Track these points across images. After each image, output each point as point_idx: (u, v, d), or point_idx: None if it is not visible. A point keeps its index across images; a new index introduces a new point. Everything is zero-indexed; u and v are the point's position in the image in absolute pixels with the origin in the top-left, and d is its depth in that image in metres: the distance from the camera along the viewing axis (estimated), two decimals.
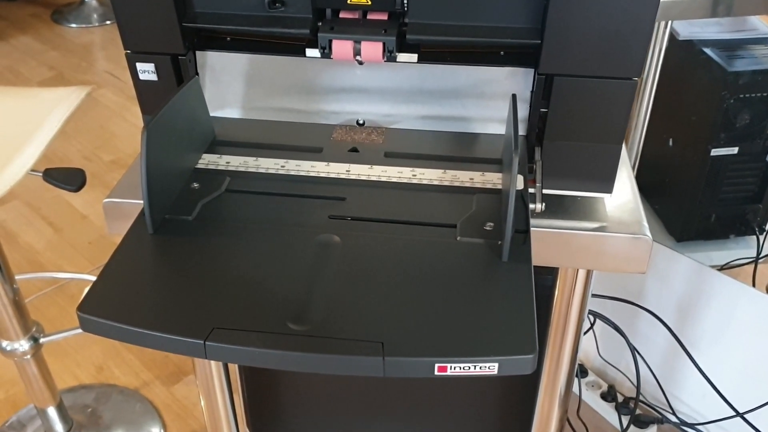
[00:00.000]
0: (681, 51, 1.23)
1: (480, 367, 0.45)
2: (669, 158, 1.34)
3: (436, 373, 0.45)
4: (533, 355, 0.45)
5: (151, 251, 0.54)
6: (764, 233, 1.34)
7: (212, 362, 0.83)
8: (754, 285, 1.26)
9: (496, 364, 0.45)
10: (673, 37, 1.21)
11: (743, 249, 1.35)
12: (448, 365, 0.45)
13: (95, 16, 2.93)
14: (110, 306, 0.49)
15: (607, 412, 1.29)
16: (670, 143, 1.33)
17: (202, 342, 0.46)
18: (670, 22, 1.04)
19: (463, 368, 0.45)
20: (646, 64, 1.06)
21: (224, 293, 0.50)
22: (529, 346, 0.46)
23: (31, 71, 2.56)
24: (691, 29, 1.23)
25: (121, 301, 0.50)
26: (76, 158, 2.07)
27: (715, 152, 1.24)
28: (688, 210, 1.32)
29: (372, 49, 0.59)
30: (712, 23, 1.25)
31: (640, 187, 0.65)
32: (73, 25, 2.89)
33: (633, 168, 1.16)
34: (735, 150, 1.24)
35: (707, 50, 1.20)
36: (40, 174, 1.01)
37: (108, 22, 2.90)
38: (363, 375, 0.46)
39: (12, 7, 3.04)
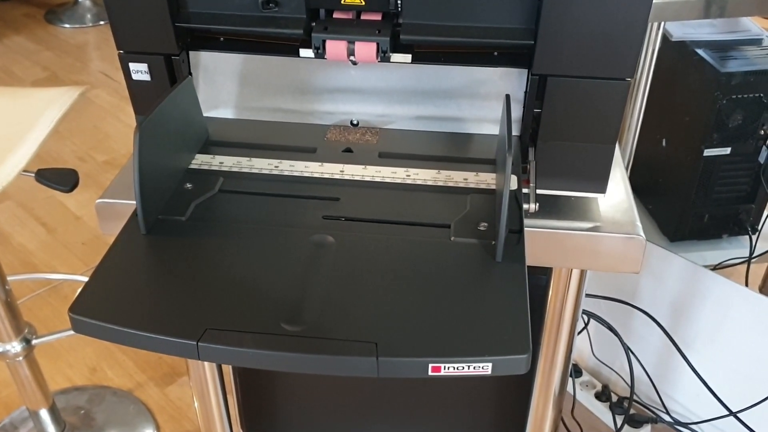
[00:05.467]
0: (674, 52, 1.24)
1: (474, 367, 0.45)
2: (662, 158, 1.35)
3: (429, 373, 0.45)
4: (527, 355, 0.45)
5: (144, 252, 0.54)
6: (757, 233, 1.35)
7: (206, 363, 0.83)
8: (746, 285, 1.27)
9: (490, 364, 0.45)
10: (666, 38, 1.22)
11: (736, 249, 1.36)
12: (442, 365, 0.45)
13: (89, 16, 2.93)
14: (103, 307, 0.49)
15: (602, 411, 1.29)
16: (664, 143, 1.33)
17: (195, 343, 0.46)
18: (663, 23, 1.04)
19: (457, 368, 0.45)
20: (640, 64, 1.06)
21: (217, 294, 0.50)
22: (522, 345, 0.46)
23: (25, 71, 2.54)
24: (684, 30, 1.24)
25: (114, 302, 0.49)
26: (69, 159, 2.06)
27: (708, 152, 1.24)
28: (682, 210, 1.32)
29: (366, 49, 0.59)
30: (705, 24, 1.25)
31: (634, 187, 0.66)
32: (67, 26, 2.88)
33: (626, 168, 1.16)
34: (728, 150, 1.24)
35: (700, 51, 1.20)
36: (33, 174, 1.00)
37: (102, 23, 2.89)
38: (357, 375, 0.46)
39: (5, 6, 3.02)
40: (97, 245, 1.75)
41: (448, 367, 0.45)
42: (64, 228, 1.81)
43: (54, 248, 1.74)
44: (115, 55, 0.62)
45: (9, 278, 1.10)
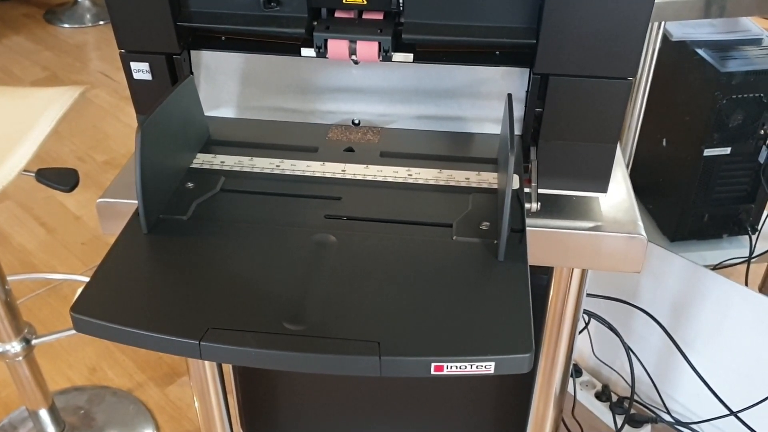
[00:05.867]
0: (674, 52, 1.24)
1: (476, 367, 0.45)
2: (662, 158, 1.35)
3: (432, 372, 0.45)
4: (529, 354, 0.45)
5: (146, 251, 0.54)
6: (756, 233, 1.35)
7: (206, 363, 0.83)
8: (746, 284, 1.27)
9: (493, 364, 0.45)
10: (666, 38, 1.22)
11: (736, 249, 1.36)
12: (445, 365, 0.45)
13: (88, 16, 2.92)
14: (104, 306, 0.49)
15: (602, 411, 1.29)
16: (664, 143, 1.34)
17: (197, 342, 0.46)
18: (663, 23, 1.04)
19: (460, 368, 0.45)
20: (640, 64, 1.06)
21: (219, 293, 0.50)
22: (525, 345, 0.46)
23: (24, 71, 2.54)
24: (684, 30, 1.24)
25: (116, 301, 0.49)
26: (69, 159, 2.06)
27: (708, 152, 1.24)
28: (682, 210, 1.32)
29: (367, 48, 0.59)
30: (705, 24, 1.25)
31: (634, 187, 0.66)
32: (66, 25, 2.88)
33: (627, 168, 1.16)
34: (728, 150, 1.24)
35: (700, 51, 1.20)
36: (33, 174, 1.00)
37: (101, 23, 2.89)
38: (360, 375, 0.46)
39: (4, 6, 3.02)
40: (96, 245, 1.75)
41: (451, 367, 0.45)
42: (64, 228, 1.81)
43: (54, 248, 1.74)
44: (115, 55, 0.62)
45: (9, 278, 1.10)
